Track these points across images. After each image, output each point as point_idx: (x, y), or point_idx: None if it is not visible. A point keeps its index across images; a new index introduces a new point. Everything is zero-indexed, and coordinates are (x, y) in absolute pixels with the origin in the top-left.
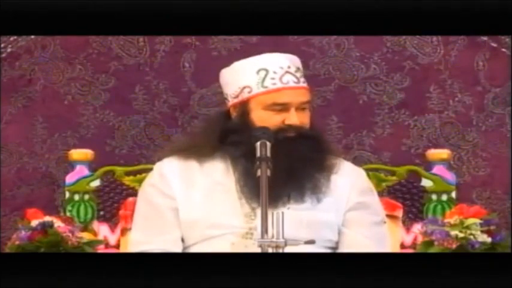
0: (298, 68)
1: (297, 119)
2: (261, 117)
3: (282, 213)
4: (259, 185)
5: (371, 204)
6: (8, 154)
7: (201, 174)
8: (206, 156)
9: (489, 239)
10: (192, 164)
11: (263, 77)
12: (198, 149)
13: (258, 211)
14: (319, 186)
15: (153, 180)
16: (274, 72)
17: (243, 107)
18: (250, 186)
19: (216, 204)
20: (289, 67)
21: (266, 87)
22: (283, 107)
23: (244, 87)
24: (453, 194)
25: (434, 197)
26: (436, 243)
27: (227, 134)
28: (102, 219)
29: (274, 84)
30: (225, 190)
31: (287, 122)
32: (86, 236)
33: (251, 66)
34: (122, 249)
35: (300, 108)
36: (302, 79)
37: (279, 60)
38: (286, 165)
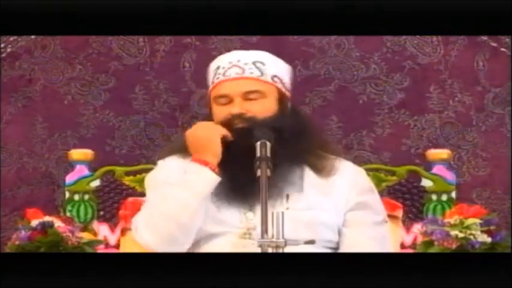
0: (254, 62)
1: (239, 108)
2: (215, 112)
3: (282, 213)
4: (252, 184)
5: (371, 203)
6: (8, 154)
7: None
8: None
9: (489, 239)
10: None
11: (214, 74)
12: None
13: (257, 211)
14: (295, 184)
15: (157, 174)
16: (223, 68)
17: (209, 105)
18: (248, 186)
19: (215, 202)
20: (238, 61)
21: (213, 82)
22: (228, 99)
23: (208, 86)
24: (453, 194)
25: (434, 197)
26: (436, 243)
27: None
28: (102, 219)
29: (217, 78)
30: (223, 189)
31: (231, 111)
32: (86, 236)
33: (211, 67)
34: (122, 249)
35: (247, 98)
36: (251, 70)
37: (231, 56)
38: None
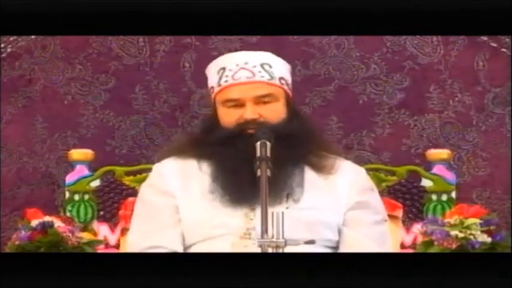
0: (262, 64)
1: (252, 113)
2: (223, 115)
3: (282, 213)
4: (250, 184)
5: (371, 202)
6: (8, 154)
7: (199, 174)
8: (204, 156)
9: (489, 239)
10: (191, 164)
11: (220, 76)
12: (196, 148)
13: (257, 211)
14: (294, 188)
15: (152, 181)
16: (230, 70)
17: (213, 106)
18: (247, 186)
19: (215, 204)
20: (246, 63)
21: (220, 85)
22: (238, 103)
23: (210, 88)
24: (453, 194)
25: (434, 197)
26: (436, 243)
27: (206, 134)
28: (102, 219)
29: (226, 81)
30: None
31: (244, 116)
32: (86, 236)
33: (214, 67)
34: (122, 249)
35: (260, 102)
36: (261, 74)
37: (236, 57)
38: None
